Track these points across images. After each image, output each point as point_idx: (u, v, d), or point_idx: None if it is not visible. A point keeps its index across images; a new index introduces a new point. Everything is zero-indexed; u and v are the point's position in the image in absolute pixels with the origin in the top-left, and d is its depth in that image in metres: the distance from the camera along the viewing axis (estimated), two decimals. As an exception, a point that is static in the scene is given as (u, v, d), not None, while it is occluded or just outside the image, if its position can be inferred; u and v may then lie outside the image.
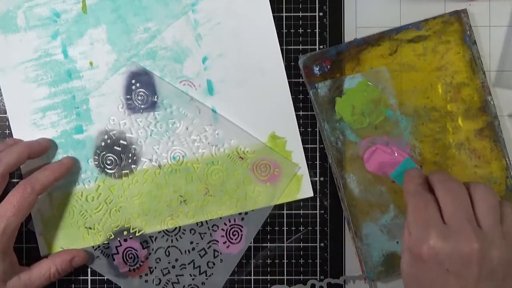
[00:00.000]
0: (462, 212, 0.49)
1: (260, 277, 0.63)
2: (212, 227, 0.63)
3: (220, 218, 0.63)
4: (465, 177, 0.61)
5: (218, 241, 0.63)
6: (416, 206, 0.51)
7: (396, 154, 0.61)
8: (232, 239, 0.63)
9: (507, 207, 0.51)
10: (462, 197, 0.50)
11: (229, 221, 0.63)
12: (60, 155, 0.62)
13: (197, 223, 0.63)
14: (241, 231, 0.63)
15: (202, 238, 0.63)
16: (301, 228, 0.63)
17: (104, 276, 0.63)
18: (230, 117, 0.62)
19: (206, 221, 0.63)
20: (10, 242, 0.56)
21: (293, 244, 0.63)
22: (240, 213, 0.63)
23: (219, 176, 0.62)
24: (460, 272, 0.48)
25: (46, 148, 0.61)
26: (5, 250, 0.56)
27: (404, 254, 0.52)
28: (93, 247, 0.62)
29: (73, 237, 0.62)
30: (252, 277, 0.63)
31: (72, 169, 0.61)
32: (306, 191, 0.63)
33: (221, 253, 0.63)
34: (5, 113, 0.62)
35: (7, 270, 0.56)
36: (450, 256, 0.48)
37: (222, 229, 0.63)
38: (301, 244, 0.63)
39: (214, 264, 0.63)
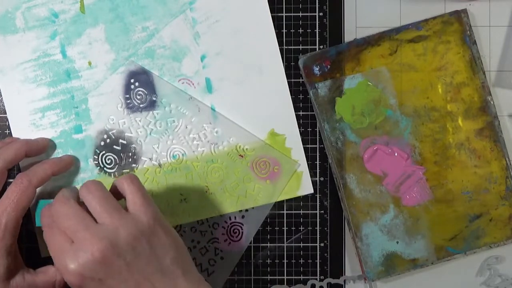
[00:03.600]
0: (76, 224, 0.49)
1: (260, 277, 0.62)
2: (212, 225, 0.61)
3: (221, 216, 0.61)
4: (465, 177, 0.60)
5: (219, 239, 0.61)
6: (48, 242, 0.51)
7: (396, 154, 0.60)
8: (233, 236, 0.61)
9: (122, 183, 0.52)
10: (69, 210, 0.50)
11: (230, 219, 0.61)
12: (59, 155, 0.60)
13: (197, 221, 0.61)
14: (241, 228, 0.61)
15: (203, 236, 0.61)
16: (301, 228, 0.62)
17: None
18: (229, 115, 0.61)
19: (206, 219, 0.61)
20: (13, 238, 0.54)
21: (293, 244, 0.62)
22: (240, 211, 0.61)
23: (219, 174, 0.61)
24: (110, 274, 0.48)
25: (44, 146, 0.59)
26: (8, 247, 0.54)
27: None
28: None
29: None
30: (252, 277, 0.62)
31: (71, 166, 0.60)
32: (306, 187, 0.61)
33: (222, 251, 0.61)
34: (5, 113, 0.60)
35: (11, 267, 0.54)
36: (91, 268, 0.48)
37: (223, 227, 0.61)
38: (301, 244, 0.62)
39: (215, 261, 0.61)
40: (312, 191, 0.61)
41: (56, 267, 0.50)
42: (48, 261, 0.59)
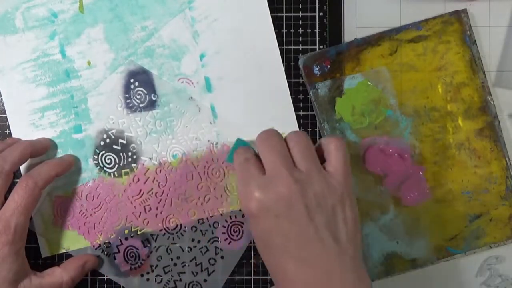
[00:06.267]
0: (277, 158, 0.49)
1: (260, 277, 0.61)
2: (213, 224, 0.60)
3: (221, 215, 0.60)
4: (465, 177, 0.59)
5: (219, 238, 0.60)
6: (239, 170, 0.51)
7: (396, 154, 0.59)
8: (233, 235, 0.60)
9: (330, 143, 0.51)
10: (277, 145, 0.50)
11: (230, 218, 0.60)
12: (59, 155, 0.59)
13: (198, 220, 0.60)
14: (242, 227, 0.60)
15: (203, 235, 0.60)
16: (301, 228, 0.59)
17: (104, 276, 0.60)
18: (229, 114, 0.60)
19: (207, 218, 0.60)
20: (22, 242, 0.53)
21: (293, 244, 0.60)
22: (240, 210, 0.60)
23: (219, 173, 0.60)
24: (288, 214, 0.48)
25: (47, 147, 0.59)
26: (17, 251, 0.53)
27: (246, 219, 0.52)
28: (93, 246, 0.60)
29: (74, 237, 0.60)
30: (252, 277, 0.61)
31: (72, 166, 0.59)
32: (305, 186, 0.60)
33: (222, 250, 0.60)
34: (5, 113, 0.60)
35: (19, 271, 0.53)
36: (274, 202, 0.48)
37: (223, 226, 0.60)
38: (301, 244, 0.60)
39: (215, 261, 0.60)
40: (312, 190, 0.60)
41: (240, 194, 0.50)
42: (49, 261, 0.59)
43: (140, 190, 0.59)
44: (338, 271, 0.47)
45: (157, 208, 0.59)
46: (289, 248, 0.48)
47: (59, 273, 0.56)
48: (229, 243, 0.60)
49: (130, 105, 0.59)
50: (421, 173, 0.59)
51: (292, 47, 0.60)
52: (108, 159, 0.59)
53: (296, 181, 0.48)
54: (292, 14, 0.60)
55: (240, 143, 0.55)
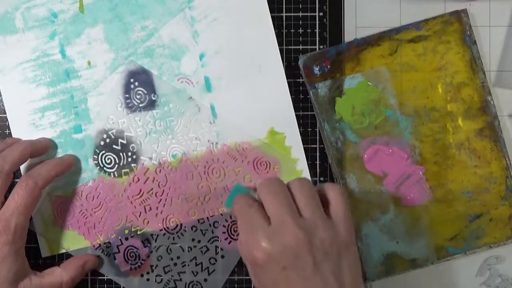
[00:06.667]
0: (282, 206, 0.49)
1: None
2: (213, 223, 0.60)
3: (221, 214, 0.60)
4: (465, 177, 0.59)
5: (219, 238, 0.60)
6: (242, 215, 0.51)
7: (396, 155, 0.59)
8: (233, 235, 0.60)
9: (330, 190, 0.51)
10: (281, 193, 0.50)
11: (230, 218, 0.60)
12: (59, 155, 0.59)
13: (198, 220, 0.60)
14: None
15: (203, 235, 0.60)
16: (301, 228, 0.59)
17: (104, 276, 0.60)
18: (229, 114, 0.59)
19: (207, 217, 0.60)
20: (22, 242, 0.53)
21: (293, 244, 0.59)
22: None
23: (219, 173, 0.60)
24: (296, 265, 0.47)
25: (47, 147, 0.58)
26: (17, 250, 0.53)
27: (246, 265, 0.51)
28: (93, 246, 0.60)
29: (74, 237, 0.59)
30: None
31: (72, 166, 0.59)
32: (306, 186, 0.60)
33: (222, 249, 0.60)
34: (5, 113, 0.60)
35: (19, 271, 0.53)
36: (282, 253, 0.47)
37: (224, 226, 0.60)
38: (301, 244, 0.59)
39: (216, 260, 0.60)
40: (312, 188, 0.60)
41: (243, 240, 0.49)
42: (49, 261, 0.59)
43: (140, 190, 0.59)
44: None
45: (157, 208, 0.59)
46: None
47: (59, 273, 0.56)
48: (229, 242, 0.60)
49: (130, 105, 0.59)
50: (421, 173, 0.58)
51: (292, 47, 0.60)
52: (108, 159, 0.59)
53: (302, 230, 0.47)
54: (292, 14, 0.60)
55: (239, 189, 0.54)
